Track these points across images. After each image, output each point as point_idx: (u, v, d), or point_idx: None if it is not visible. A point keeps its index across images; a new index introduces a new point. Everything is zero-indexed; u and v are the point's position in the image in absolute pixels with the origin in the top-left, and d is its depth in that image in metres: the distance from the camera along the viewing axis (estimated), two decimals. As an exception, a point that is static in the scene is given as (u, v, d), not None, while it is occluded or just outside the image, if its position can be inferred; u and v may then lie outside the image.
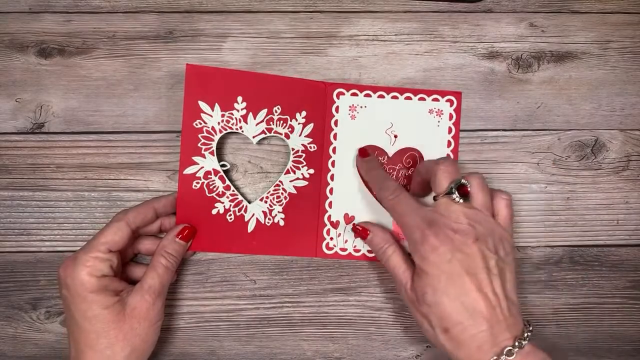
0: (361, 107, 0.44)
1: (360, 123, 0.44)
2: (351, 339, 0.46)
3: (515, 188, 0.45)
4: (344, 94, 0.44)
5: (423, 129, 0.44)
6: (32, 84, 0.45)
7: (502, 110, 0.46)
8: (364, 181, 0.44)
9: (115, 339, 0.37)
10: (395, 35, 0.46)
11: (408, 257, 0.40)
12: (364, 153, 0.44)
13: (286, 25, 0.46)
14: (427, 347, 0.46)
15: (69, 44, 0.45)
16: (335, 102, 0.44)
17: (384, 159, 0.44)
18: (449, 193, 0.37)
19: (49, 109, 0.45)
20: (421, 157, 0.44)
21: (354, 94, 0.44)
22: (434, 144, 0.44)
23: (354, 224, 0.43)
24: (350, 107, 0.44)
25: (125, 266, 0.42)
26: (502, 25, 0.46)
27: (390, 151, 0.44)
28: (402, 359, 0.46)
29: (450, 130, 0.45)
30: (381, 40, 0.46)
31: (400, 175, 0.44)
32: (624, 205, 0.46)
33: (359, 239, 0.44)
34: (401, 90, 0.44)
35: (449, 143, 0.45)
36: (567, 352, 0.46)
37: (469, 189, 0.37)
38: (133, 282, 0.40)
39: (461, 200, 0.37)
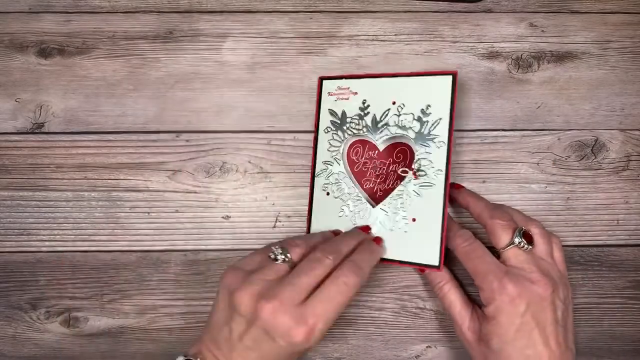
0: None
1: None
2: (351, 339, 0.46)
3: (515, 188, 0.45)
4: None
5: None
6: (32, 84, 0.45)
7: (502, 110, 0.46)
8: None
9: None
10: (395, 35, 0.46)
11: (464, 294, 0.41)
12: (459, 187, 0.44)
13: (286, 25, 0.46)
14: (427, 347, 0.46)
15: (69, 44, 0.45)
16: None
17: (374, 153, 0.43)
18: (514, 243, 0.38)
19: (48, 109, 0.45)
20: (411, 152, 0.41)
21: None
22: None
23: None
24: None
25: None
26: (502, 25, 0.46)
27: (381, 146, 0.42)
28: (402, 359, 0.46)
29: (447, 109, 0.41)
30: (381, 40, 0.46)
31: (391, 170, 0.42)
32: (624, 205, 0.46)
33: None
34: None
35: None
36: None
37: (532, 235, 0.39)
38: None
39: (530, 247, 0.38)
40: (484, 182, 0.45)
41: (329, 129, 0.44)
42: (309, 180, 0.45)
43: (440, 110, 0.40)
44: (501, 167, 0.46)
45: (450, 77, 0.40)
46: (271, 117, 0.45)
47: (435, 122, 0.40)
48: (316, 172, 0.44)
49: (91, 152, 0.45)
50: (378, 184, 0.43)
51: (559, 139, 0.46)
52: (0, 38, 0.45)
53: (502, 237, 0.39)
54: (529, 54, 0.46)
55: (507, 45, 0.46)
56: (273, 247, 0.38)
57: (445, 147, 0.40)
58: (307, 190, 0.45)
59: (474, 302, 0.41)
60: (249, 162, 0.45)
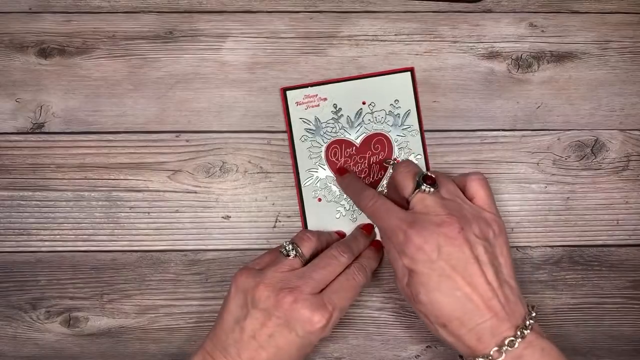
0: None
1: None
2: (351, 339, 0.46)
3: (515, 188, 0.45)
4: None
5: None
6: (32, 84, 0.45)
7: (502, 110, 0.46)
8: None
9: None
10: (395, 35, 0.46)
11: None
12: (342, 171, 0.44)
13: (286, 25, 0.46)
14: (427, 347, 0.46)
15: (69, 44, 0.45)
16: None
17: (352, 150, 0.44)
18: (417, 188, 0.37)
19: (49, 109, 0.45)
20: (388, 140, 0.45)
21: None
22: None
23: (361, 225, 0.44)
24: None
25: None
26: (502, 25, 0.46)
27: (358, 142, 0.45)
28: (402, 359, 0.46)
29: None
30: (381, 40, 0.46)
31: (372, 162, 0.45)
32: (624, 205, 0.46)
33: None
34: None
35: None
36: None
37: (434, 177, 0.37)
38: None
39: (432, 189, 0.37)
40: (484, 182, 0.45)
41: (305, 137, 0.45)
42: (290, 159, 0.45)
43: (407, 103, 0.45)
44: (501, 167, 0.46)
45: (408, 73, 0.45)
46: (271, 117, 0.45)
47: (405, 113, 0.45)
48: (303, 182, 0.44)
49: (91, 152, 0.45)
50: (362, 179, 0.44)
51: (558, 139, 0.46)
52: (0, 38, 0.45)
53: (407, 185, 0.38)
54: (528, 54, 0.46)
55: (507, 45, 0.46)
56: (284, 243, 0.40)
57: (419, 135, 0.45)
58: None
59: None
60: (249, 162, 0.45)
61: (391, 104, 0.45)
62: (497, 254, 0.36)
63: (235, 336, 0.37)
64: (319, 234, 0.42)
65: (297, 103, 0.45)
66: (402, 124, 0.45)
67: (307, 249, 0.40)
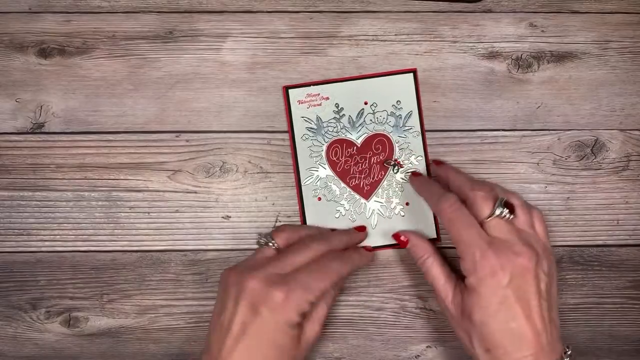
0: None
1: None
2: (351, 339, 0.46)
3: (515, 188, 0.45)
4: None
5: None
6: (32, 84, 0.45)
7: (502, 110, 0.46)
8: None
9: None
10: (395, 35, 0.46)
11: (447, 268, 0.40)
12: (417, 174, 0.44)
13: (286, 25, 0.46)
14: (427, 347, 0.46)
15: (69, 44, 0.45)
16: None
17: (353, 150, 0.44)
18: (496, 213, 0.37)
19: (48, 109, 0.45)
20: (390, 141, 0.45)
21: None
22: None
23: (396, 232, 0.43)
24: None
25: None
26: (502, 25, 0.46)
27: (359, 141, 0.45)
28: (402, 359, 0.46)
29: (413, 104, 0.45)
30: (381, 40, 0.46)
31: (372, 162, 0.45)
32: (624, 205, 0.46)
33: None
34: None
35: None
36: None
37: (513, 205, 0.38)
38: None
39: (511, 217, 0.37)
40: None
41: (307, 136, 0.44)
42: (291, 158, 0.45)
43: (409, 104, 0.45)
44: (501, 167, 0.46)
45: (411, 75, 0.45)
46: (271, 117, 0.45)
47: (407, 114, 0.45)
48: (303, 181, 0.44)
49: (91, 152, 0.45)
50: (363, 179, 0.45)
51: (559, 139, 0.46)
52: (0, 38, 0.45)
53: (484, 207, 0.38)
54: (529, 54, 0.46)
55: (507, 45, 0.46)
56: (259, 235, 0.41)
57: (420, 136, 0.45)
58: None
59: (458, 276, 0.40)
60: (249, 162, 0.45)
61: (393, 105, 0.45)
62: (552, 291, 0.37)
63: (216, 335, 0.37)
64: (299, 226, 0.42)
65: (299, 101, 0.45)
66: (403, 125, 0.45)
67: (281, 239, 0.40)
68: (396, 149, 0.45)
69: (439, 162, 0.44)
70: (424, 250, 0.41)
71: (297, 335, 0.37)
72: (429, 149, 0.45)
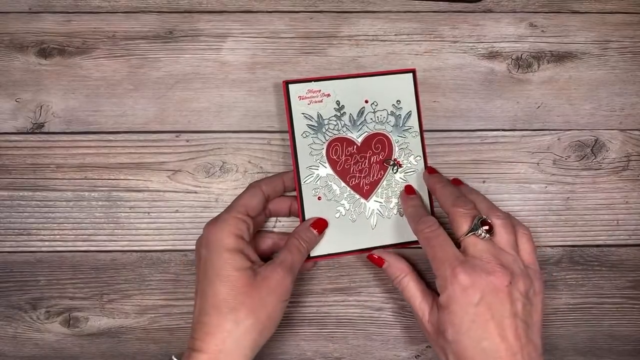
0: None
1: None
2: (351, 339, 0.46)
3: (515, 188, 0.45)
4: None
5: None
6: (32, 84, 0.45)
7: (502, 110, 0.46)
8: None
9: (241, 305, 0.36)
10: (395, 35, 0.46)
11: (424, 286, 0.41)
12: (411, 191, 0.44)
13: (286, 25, 0.46)
14: (427, 347, 0.46)
15: (69, 44, 0.45)
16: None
17: (353, 149, 0.44)
18: (473, 230, 0.37)
19: (49, 109, 0.45)
20: (389, 140, 0.44)
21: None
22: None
23: (370, 253, 0.43)
24: None
25: (255, 238, 0.43)
26: (502, 25, 0.46)
27: (359, 140, 0.44)
28: (402, 359, 0.46)
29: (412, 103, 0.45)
30: (381, 40, 0.46)
31: (372, 161, 0.44)
32: (624, 205, 0.46)
33: None
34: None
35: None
36: None
37: (492, 224, 0.38)
38: (261, 256, 0.41)
39: (488, 236, 0.37)
40: (484, 182, 0.45)
41: (307, 133, 0.43)
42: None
43: (409, 104, 0.45)
44: (501, 167, 0.46)
45: (410, 75, 0.44)
46: (271, 117, 0.45)
47: (407, 114, 0.44)
48: (303, 180, 0.43)
49: (91, 152, 0.45)
50: (362, 178, 0.44)
51: (558, 139, 0.46)
52: (0, 38, 0.45)
53: (462, 225, 0.38)
54: (529, 54, 0.46)
55: (507, 45, 0.46)
56: None
57: (419, 136, 0.44)
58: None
59: (435, 293, 0.40)
60: (249, 162, 0.45)
61: (393, 104, 0.44)
62: (532, 312, 0.37)
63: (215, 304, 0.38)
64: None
65: (300, 97, 0.43)
66: (403, 125, 0.44)
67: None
68: (396, 149, 0.44)
69: (431, 171, 0.44)
70: (400, 269, 0.41)
71: (245, 267, 0.37)
72: (430, 149, 0.45)
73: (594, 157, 0.46)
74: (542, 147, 0.46)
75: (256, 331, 0.37)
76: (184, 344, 0.45)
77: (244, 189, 0.42)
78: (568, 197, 0.46)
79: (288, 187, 0.43)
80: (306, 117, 0.43)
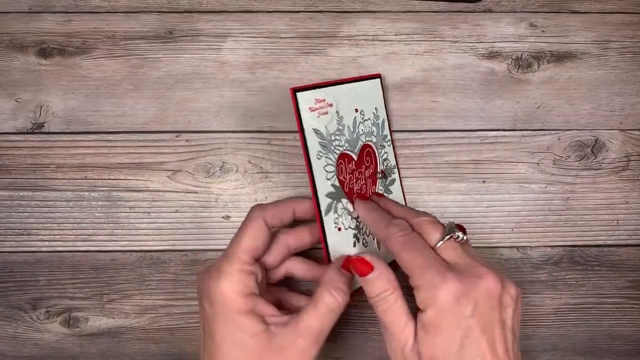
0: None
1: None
2: (351, 339, 0.46)
3: (515, 188, 0.45)
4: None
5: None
6: (32, 84, 0.45)
7: (502, 110, 0.46)
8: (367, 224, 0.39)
9: None
10: (395, 35, 0.46)
11: (408, 308, 0.33)
12: (364, 198, 0.40)
13: (286, 25, 0.46)
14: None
15: (69, 44, 0.45)
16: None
17: (353, 165, 0.40)
18: (449, 234, 0.33)
19: (48, 109, 0.45)
20: (374, 152, 0.41)
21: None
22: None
23: (356, 257, 0.34)
24: None
25: (273, 290, 0.38)
26: (502, 25, 0.46)
27: (355, 155, 0.40)
28: (402, 359, 0.46)
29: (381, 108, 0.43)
30: (381, 40, 0.46)
31: (366, 176, 0.41)
32: (624, 205, 0.46)
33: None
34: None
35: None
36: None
37: (464, 227, 0.34)
38: (269, 268, 0.37)
39: (465, 237, 0.33)
40: (484, 182, 0.45)
41: (321, 154, 0.37)
42: (308, 180, 0.45)
43: (382, 111, 0.43)
44: (501, 167, 0.46)
45: (378, 80, 0.43)
46: (271, 117, 0.45)
47: (382, 122, 0.43)
48: (323, 211, 0.37)
49: (91, 152, 0.45)
50: (362, 195, 0.40)
51: (558, 139, 0.46)
52: (0, 38, 0.45)
53: (434, 232, 0.33)
54: (529, 54, 0.46)
55: (507, 45, 0.46)
56: None
57: (391, 144, 0.44)
58: (308, 190, 0.45)
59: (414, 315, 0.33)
60: (249, 162, 0.45)
61: (373, 112, 0.42)
62: (515, 322, 0.32)
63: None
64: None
65: (310, 109, 0.37)
66: (381, 134, 0.42)
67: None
68: (380, 160, 0.42)
69: (379, 195, 0.41)
70: (389, 282, 0.33)
71: (259, 331, 0.32)
72: (430, 149, 0.45)
73: (594, 157, 0.46)
74: (542, 147, 0.46)
75: None
76: (183, 344, 0.45)
77: (244, 220, 0.37)
78: (568, 197, 0.46)
79: (299, 217, 0.38)
80: (317, 134, 0.37)
